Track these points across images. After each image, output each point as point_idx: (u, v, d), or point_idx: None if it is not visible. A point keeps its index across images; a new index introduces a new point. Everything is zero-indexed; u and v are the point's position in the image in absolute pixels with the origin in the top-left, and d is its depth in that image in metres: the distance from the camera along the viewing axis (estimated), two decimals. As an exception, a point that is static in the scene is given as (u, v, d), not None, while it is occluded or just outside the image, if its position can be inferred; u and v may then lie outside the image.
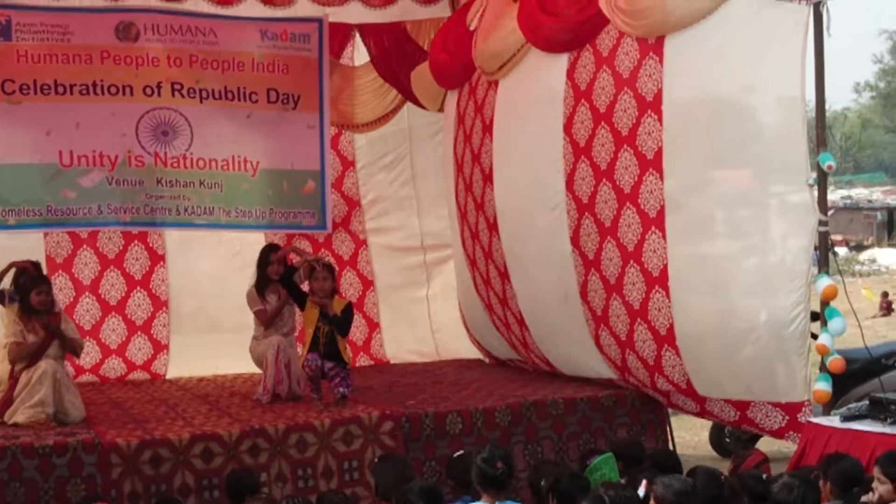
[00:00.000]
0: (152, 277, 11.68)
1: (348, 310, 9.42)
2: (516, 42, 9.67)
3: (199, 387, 10.63)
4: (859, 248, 42.28)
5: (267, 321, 9.92)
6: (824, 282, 7.45)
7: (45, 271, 10.19)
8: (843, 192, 53.78)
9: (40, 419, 8.32)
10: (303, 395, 9.42)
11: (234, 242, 11.92)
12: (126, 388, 10.80)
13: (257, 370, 9.99)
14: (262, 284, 10.05)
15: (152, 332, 11.64)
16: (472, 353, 12.02)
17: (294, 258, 10.07)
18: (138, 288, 11.62)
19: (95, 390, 10.43)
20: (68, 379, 8.83)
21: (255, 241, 11.34)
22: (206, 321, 11.80)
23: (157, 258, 11.70)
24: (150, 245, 11.67)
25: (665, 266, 8.17)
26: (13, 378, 8.60)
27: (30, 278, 9.15)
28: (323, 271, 9.34)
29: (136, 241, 11.61)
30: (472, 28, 10.58)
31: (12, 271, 9.46)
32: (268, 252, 10.24)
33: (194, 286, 11.89)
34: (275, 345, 9.56)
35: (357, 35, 12.10)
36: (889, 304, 25.96)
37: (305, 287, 9.44)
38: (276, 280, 9.85)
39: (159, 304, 11.69)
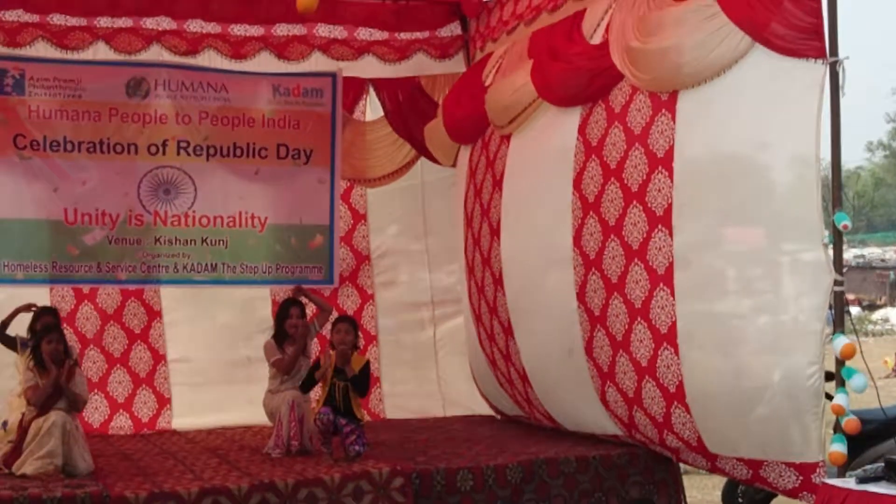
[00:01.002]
0: (150, 332, 11.73)
1: (366, 368, 9.39)
2: (528, 96, 9.71)
3: (208, 440, 10.56)
4: (872, 307, 42.24)
5: (285, 368, 9.95)
6: (841, 341, 7.39)
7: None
8: (856, 251, 53.84)
9: (48, 471, 8.30)
10: (314, 451, 9.38)
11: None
12: (135, 440, 10.76)
13: (263, 422, 9.99)
14: (280, 338, 10.10)
15: (155, 384, 11.69)
16: (481, 408, 11.96)
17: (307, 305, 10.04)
18: (138, 342, 11.68)
19: (105, 442, 10.39)
20: (78, 431, 8.81)
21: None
22: (207, 375, 11.87)
23: (153, 314, 11.76)
24: (147, 301, 11.73)
25: (674, 323, 8.12)
26: (22, 428, 8.60)
27: (43, 327, 9.21)
28: (345, 325, 9.38)
29: (132, 298, 11.69)
30: (487, 84, 10.62)
31: (29, 316, 9.54)
32: (288, 307, 10.31)
33: (195, 340, 11.94)
34: (289, 399, 9.57)
35: (371, 89, 12.15)
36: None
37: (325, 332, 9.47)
38: (293, 336, 9.97)
39: (158, 357, 11.72)
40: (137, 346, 11.67)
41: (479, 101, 10.55)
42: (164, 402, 11.66)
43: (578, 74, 9.04)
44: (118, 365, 11.58)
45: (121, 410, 11.50)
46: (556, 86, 9.34)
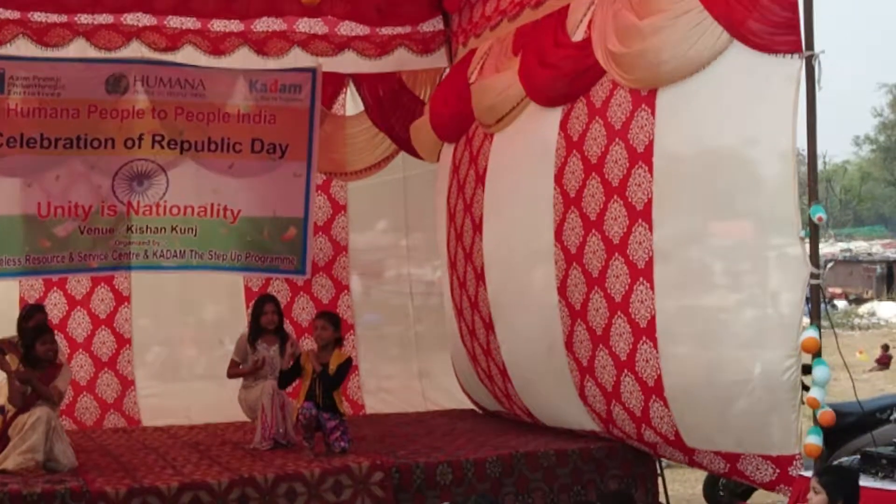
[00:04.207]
0: (116, 317, 11.78)
1: (343, 366, 9.38)
2: (515, 96, 9.71)
3: (189, 435, 10.56)
4: (859, 301, 42.27)
5: (230, 375, 10.23)
6: (806, 333, 7.42)
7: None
8: (843, 245, 53.94)
9: (29, 466, 8.31)
10: (295, 444, 9.40)
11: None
12: (117, 434, 10.77)
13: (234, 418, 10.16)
14: (255, 334, 10.15)
15: (118, 368, 11.73)
16: (462, 403, 11.98)
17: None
18: (103, 327, 11.73)
19: (86, 438, 10.39)
20: (61, 427, 8.82)
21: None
22: (174, 366, 12.06)
23: (122, 299, 11.81)
24: (116, 287, 11.79)
25: (653, 317, 8.14)
26: (6, 423, 8.61)
27: (36, 326, 9.23)
28: (322, 321, 9.42)
29: (102, 284, 11.76)
30: (472, 81, 10.63)
31: (15, 318, 9.60)
32: (262, 303, 10.40)
33: (160, 328, 12.09)
34: (269, 389, 9.58)
35: (350, 84, 12.18)
36: (889, 357, 25.93)
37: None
38: (271, 331, 10.02)
39: (123, 341, 11.78)
40: (101, 332, 11.73)
41: (465, 98, 10.56)
42: (127, 384, 11.73)
43: (565, 78, 9.08)
44: (80, 350, 11.65)
45: (84, 392, 11.57)
46: (545, 89, 9.36)
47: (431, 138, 11.47)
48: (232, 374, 10.31)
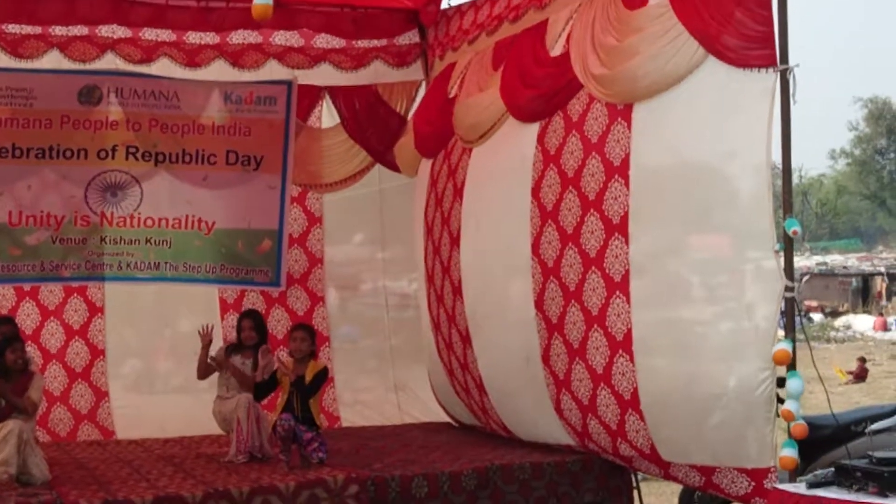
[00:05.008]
0: (89, 328, 11.73)
1: (319, 375, 9.38)
2: (497, 112, 9.73)
3: (164, 448, 10.50)
4: (834, 314, 42.51)
5: (199, 373, 10.29)
6: (778, 346, 7.44)
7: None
8: (819, 259, 54.14)
9: (2, 479, 8.25)
10: (271, 457, 9.37)
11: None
12: (91, 447, 10.70)
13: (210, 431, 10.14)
14: (234, 347, 10.25)
15: (91, 379, 11.67)
16: (437, 415, 11.95)
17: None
18: (76, 337, 11.67)
19: (60, 451, 10.34)
20: (35, 440, 8.78)
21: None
22: (149, 378, 12.06)
23: (95, 310, 11.76)
24: (89, 297, 11.75)
25: (629, 330, 8.15)
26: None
27: (4, 337, 9.17)
28: (301, 332, 9.44)
29: (75, 294, 11.72)
30: (451, 96, 10.63)
31: None
32: (240, 319, 10.54)
33: (135, 340, 12.07)
34: (245, 402, 9.55)
35: (326, 96, 12.14)
36: (865, 370, 26.02)
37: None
38: (251, 346, 10.04)
39: (96, 352, 11.73)
40: (74, 343, 11.67)
41: (446, 113, 10.57)
42: (101, 395, 11.66)
43: (545, 96, 9.11)
44: (54, 360, 11.59)
45: (58, 403, 11.52)
46: (526, 108, 9.38)
47: (413, 155, 11.47)
48: (200, 370, 10.29)
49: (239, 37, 11.57)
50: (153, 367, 12.15)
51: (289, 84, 11.64)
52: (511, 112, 9.56)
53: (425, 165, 11.27)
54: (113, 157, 11.30)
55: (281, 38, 11.72)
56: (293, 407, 9.14)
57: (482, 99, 9.98)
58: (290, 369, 9.25)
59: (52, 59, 11.06)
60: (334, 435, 10.94)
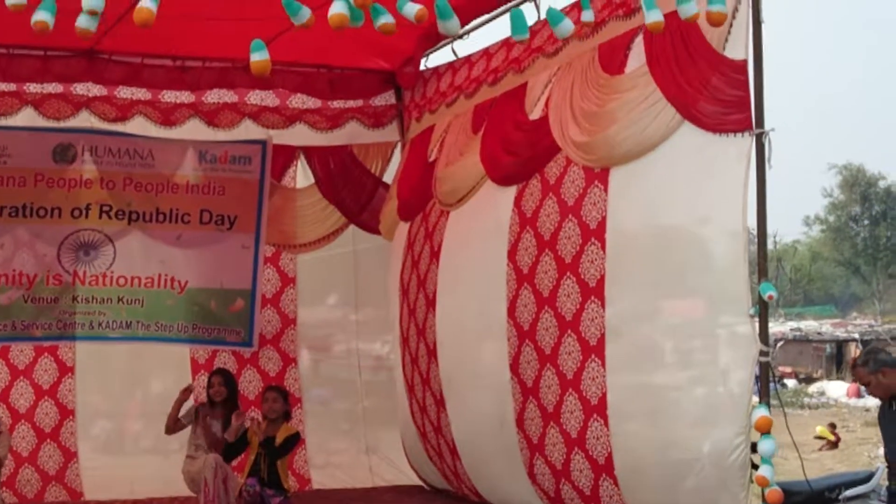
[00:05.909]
0: (59, 388, 11.54)
1: (291, 439, 9.31)
2: (477, 176, 9.75)
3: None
4: (808, 380, 42.44)
5: (167, 429, 10.25)
6: (758, 412, 7.40)
7: None
8: (793, 325, 54.14)
9: (-34, 541, 8.16)
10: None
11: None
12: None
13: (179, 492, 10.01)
14: (205, 406, 10.25)
15: (60, 439, 11.47)
16: (409, 478, 11.83)
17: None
18: (46, 398, 11.49)
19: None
20: (1, 501, 8.67)
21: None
22: (119, 439, 11.88)
23: (66, 370, 11.59)
24: (60, 357, 11.58)
25: (604, 394, 8.10)
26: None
27: None
28: (273, 394, 9.41)
29: (45, 354, 11.55)
30: (431, 160, 10.65)
31: None
32: (210, 376, 10.56)
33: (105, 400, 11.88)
34: (212, 462, 9.46)
35: (301, 156, 12.09)
36: (837, 436, 25.94)
37: None
38: (220, 403, 9.97)
39: (66, 412, 11.54)
40: (44, 403, 11.48)
41: (426, 178, 10.58)
42: (70, 455, 11.47)
43: (524, 160, 9.14)
44: (22, 420, 11.40)
45: (26, 464, 11.32)
46: (507, 173, 9.40)
47: (396, 220, 11.45)
48: (169, 424, 10.26)
49: (214, 96, 11.55)
50: (123, 427, 11.98)
51: (263, 144, 11.64)
52: (491, 177, 9.56)
53: (402, 228, 11.25)
54: (86, 216, 11.25)
55: (256, 97, 11.71)
56: (260, 468, 9.05)
57: (463, 164, 9.98)
58: (262, 429, 9.17)
59: (27, 117, 11.03)
60: (305, 497, 10.85)
